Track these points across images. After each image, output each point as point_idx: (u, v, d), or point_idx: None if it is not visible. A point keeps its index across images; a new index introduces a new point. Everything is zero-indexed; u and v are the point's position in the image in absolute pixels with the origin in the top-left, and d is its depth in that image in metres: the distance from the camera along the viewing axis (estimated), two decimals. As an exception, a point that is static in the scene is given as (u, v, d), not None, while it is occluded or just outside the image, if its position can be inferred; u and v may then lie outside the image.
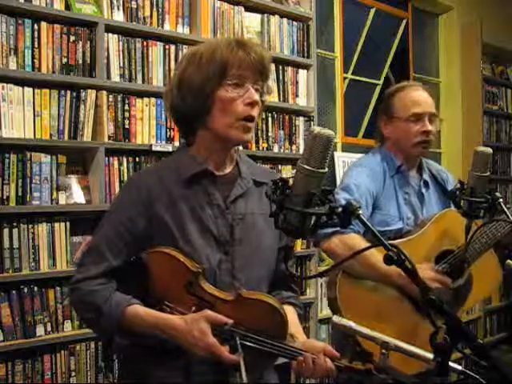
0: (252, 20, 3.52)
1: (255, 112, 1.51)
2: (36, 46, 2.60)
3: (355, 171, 2.25)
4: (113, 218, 1.54)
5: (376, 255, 2.02)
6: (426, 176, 2.33)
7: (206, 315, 1.38)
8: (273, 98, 3.51)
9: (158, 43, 3.01)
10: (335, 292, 2.09)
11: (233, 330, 1.38)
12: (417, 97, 2.25)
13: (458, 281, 2.17)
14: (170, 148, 2.95)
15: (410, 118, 2.22)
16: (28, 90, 2.57)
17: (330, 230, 2.07)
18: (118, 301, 1.45)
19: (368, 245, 1.96)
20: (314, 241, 2.24)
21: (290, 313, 1.56)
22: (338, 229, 2.06)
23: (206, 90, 1.48)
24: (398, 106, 2.26)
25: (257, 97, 1.50)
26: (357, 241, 2.02)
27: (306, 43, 3.71)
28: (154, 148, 2.91)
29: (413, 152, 2.25)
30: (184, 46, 3.09)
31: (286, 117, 3.61)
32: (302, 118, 3.68)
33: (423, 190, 2.30)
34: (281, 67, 3.58)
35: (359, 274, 2.09)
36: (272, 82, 3.51)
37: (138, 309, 1.45)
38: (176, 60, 3.04)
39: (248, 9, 3.49)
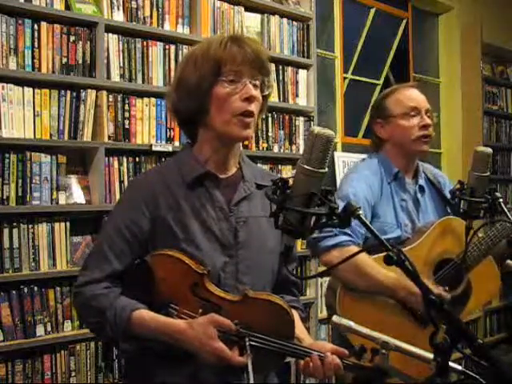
0: (252, 20, 3.52)
1: (253, 107, 1.49)
2: (36, 46, 2.60)
3: (353, 179, 2.22)
4: (116, 220, 1.53)
5: (376, 267, 2.02)
6: (421, 181, 2.30)
7: (211, 319, 1.37)
8: (273, 98, 3.50)
9: (158, 43, 3.01)
10: (335, 301, 2.08)
11: (242, 331, 1.38)
12: (410, 93, 2.26)
13: (457, 289, 2.17)
14: (170, 148, 2.95)
15: (407, 113, 2.20)
16: (28, 90, 2.57)
17: (330, 242, 2.06)
18: (123, 306, 1.43)
19: (367, 257, 1.98)
20: (313, 253, 2.22)
21: (295, 316, 1.55)
22: (339, 242, 2.05)
23: (202, 88, 1.48)
24: (393, 105, 2.24)
25: (254, 92, 1.48)
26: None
27: (306, 43, 3.71)
28: (154, 148, 2.91)
29: (414, 148, 2.22)
30: (184, 46, 3.09)
31: (286, 117, 3.60)
32: (301, 118, 3.68)
33: (418, 196, 2.27)
34: (281, 67, 3.58)
35: (359, 287, 2.07)
36: (272, 82, 3.51)
37: (144, 314, 1.43)
38: (176, 60, 3.04)
39: (248, 9, 3.49)
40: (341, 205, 2.10)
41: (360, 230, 2.09)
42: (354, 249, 2.04)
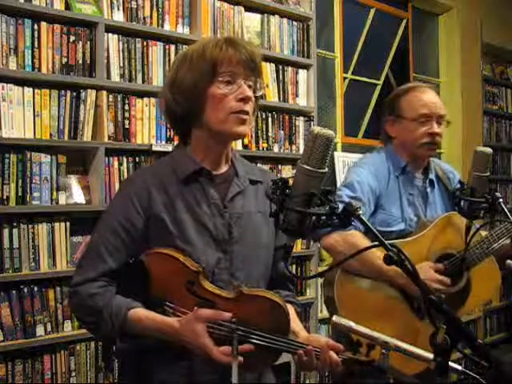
0: (252, 20, 3.52)
1: (248, 107, 1.51)
2: (36, 46, 2.60)
3: (359, 169, 2.24)
4: (110, 218, 1.53)
5: (376, 253, 2.02)
6: (431, 175, 2.31)
7: (198, 315, 1.38)
8: (273, 98, 3.51)
9: (158, 43, 3.01)
10: (333, 291, 2.09)
11: (233, 327, 1.38)
12: (426, 98, 2.22)
13: (458, 285, 2.17)
14: (169, 148, 2.95)
15: (417, 119, 2.20)
16: (28, 90, 2.57)
17: None
18: (118, 305, 1.44)
19: (369, 242, 1.98)
20: (314, 237, 2.22)
21: (291, 310, 1.56)
22: None
23: (197, 88, 1.49)
24: (405, 107, 2.23)
25: (249, 92, 1.51)
26: (358, 238, 2.01)
27: (306, 43, 3.71)
28: (153, 148, 2.91)
29: (419, 153, 2.24)
30: (184, 46, 3.09)
31: (286, 117, 3.61)
32: (302, 118, 3.68)
33: (428, 190, 2.29)
34: (281, 67, 3.58)
35: (359, 272, 2.09)
36: (272, 82, 3.52)
37: (139, 312, 1.44)
38: (176, 60, 3.04)
39: (248, 9, 3.49)
40: (345, 192, 2.13)
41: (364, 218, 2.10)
42: (354, 233, 2.04)
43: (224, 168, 1.60)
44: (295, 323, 1.57)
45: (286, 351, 1.47)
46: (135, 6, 2.94)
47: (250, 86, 1.52)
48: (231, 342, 1.36)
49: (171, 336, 1.40)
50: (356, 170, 2.24)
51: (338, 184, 4.05)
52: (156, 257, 1.45)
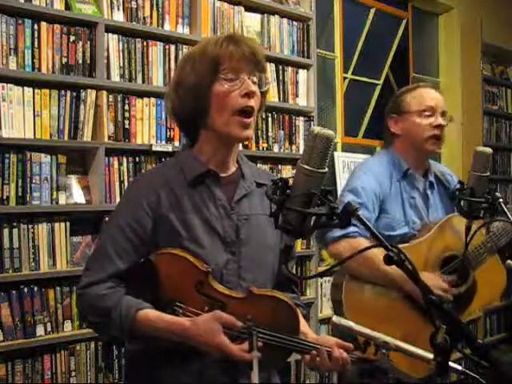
0: (252, 20, 3.52)
1: (253, 103, 1.50)
2: (36, 46, 2.60)
3: (362, 174, 2.25)
4: (119, 219, 1.53)
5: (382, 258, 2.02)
6: (431, 177, 2.33)
7: (215, 315, 1.38)
8: (273, 98, 3.51)
9: (158, 43, 3.01)
10: (341, 295, 2.09)
11: (249, 327, 1.37)
12: (429, 93, 2.29)
13: (462, 286, 2.17)
14: (169, 148, 2.95)
15: (423, 112, 2.24)
16: (28, 90, 2.57)
17: (337, 233, 2.08)
18: (128, 305, 1.43)
19: (377, 250, 1.98)
20: (321, 244, 2.23)
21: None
22: (346, 232, 2.06)
23: (201, 88, 1.49)
24: (410, 102, 2.27)
25: (253, 87, 1.50)
26: (365, 245, 2.00)
27: (305, 43, 3.71)
28: (153, 148, 2.91)
29: (425, 147, 2.25)
30: (184, 46, 3.09)
31: (286, 117, 3.60)
32: (302, 118, 3.68)
33: (428, 192, 2.30)
34: (281, 67, 3.58)
35: (366, 278, 2.09)
36: (272, 82, 3.51)
37: (149, 313, 1.42)
38: (176, 60, 3.04)
39: (248, 9, 3.49)
40: (349, 197, 2.14)
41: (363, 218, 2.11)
42: (361, 240, 2.05)
43: (231, 170, 1.59)
44: (302, 325, 1.57)
45: (298, 351, 1.47)
46: (135, 6, 2.94)
47: (254, 82, 1.51)
48: (242, 341, 1.36)
49: (182, 336, 1.39)
50: (359, 176, 2.25)
51: (338, 184, 4.07)
52: (165, 257, 1.45)
